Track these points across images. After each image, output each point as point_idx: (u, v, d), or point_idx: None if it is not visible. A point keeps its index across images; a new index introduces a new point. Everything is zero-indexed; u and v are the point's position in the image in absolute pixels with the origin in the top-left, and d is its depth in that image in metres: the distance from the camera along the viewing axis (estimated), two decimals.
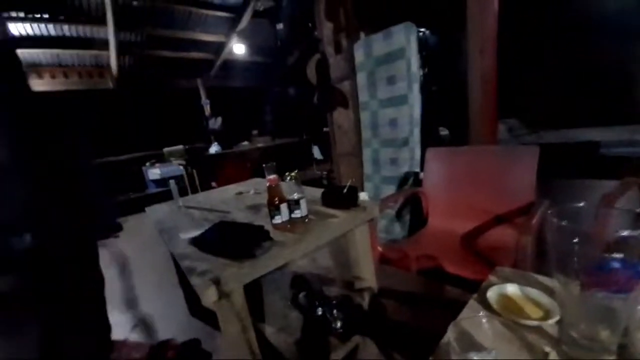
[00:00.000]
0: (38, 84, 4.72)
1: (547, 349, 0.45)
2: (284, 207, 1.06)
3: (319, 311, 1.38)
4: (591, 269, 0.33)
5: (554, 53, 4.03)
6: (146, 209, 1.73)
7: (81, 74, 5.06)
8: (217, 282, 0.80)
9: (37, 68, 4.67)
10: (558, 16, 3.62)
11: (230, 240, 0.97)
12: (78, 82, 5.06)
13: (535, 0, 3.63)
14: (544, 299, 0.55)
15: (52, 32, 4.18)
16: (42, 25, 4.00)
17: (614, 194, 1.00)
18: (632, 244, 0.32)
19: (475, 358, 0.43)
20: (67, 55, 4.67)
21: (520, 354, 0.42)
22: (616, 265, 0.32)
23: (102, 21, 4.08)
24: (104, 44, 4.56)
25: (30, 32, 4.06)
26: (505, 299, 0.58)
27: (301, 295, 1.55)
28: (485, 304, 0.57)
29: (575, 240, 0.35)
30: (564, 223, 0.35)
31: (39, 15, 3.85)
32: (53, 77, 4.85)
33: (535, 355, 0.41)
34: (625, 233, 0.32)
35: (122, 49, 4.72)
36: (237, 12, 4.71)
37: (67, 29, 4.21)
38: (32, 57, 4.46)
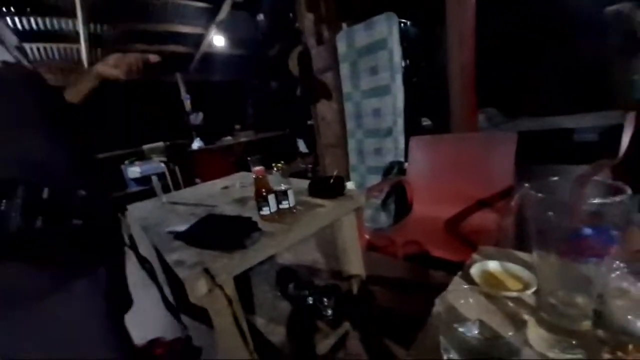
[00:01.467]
0: None
1: (526, 316, 0.48)
2: (271, 198, 1.06)
3: (309, 300, 1.40)
4: (567, 237, 0.35)
5: (532, 44, 4.16)
6: (128, 207, 1.68)
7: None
8: (207, 274, 0.79)
9: None
10: (536, 7, 3.73)
11: (219, 232, 0.96)
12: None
13: None
14: (523, 272, 0.59)
15: (18, 25, 3.93)
16: (7, 18, 3.75)
17: (586, 174, 1.06)
18: (603, 212, 0.34)
19: (460, 329, 0.45)
20: (34, 49, 4.40)
21: (502, 323, 0.45)
22: (589, 232, 0.34)
23: (71, 13, 3.87)
24: (74, 38, 4.33)
25: None
26: (487, 274, 0.61)
27: (290, 285, 1.56)
28: (469, 280, 0.60)
29: (552, 212, 0.37)
30: (541, 195, 0.37)
31: (4, 9, 3.60)
32: None
33: (516, 323, 0.43)
34: (596, 201, 0.34)
35: (94, 42, 4.50)
36: (215, 2, 4.57)
37: (34, 22, 3.96)
38: None
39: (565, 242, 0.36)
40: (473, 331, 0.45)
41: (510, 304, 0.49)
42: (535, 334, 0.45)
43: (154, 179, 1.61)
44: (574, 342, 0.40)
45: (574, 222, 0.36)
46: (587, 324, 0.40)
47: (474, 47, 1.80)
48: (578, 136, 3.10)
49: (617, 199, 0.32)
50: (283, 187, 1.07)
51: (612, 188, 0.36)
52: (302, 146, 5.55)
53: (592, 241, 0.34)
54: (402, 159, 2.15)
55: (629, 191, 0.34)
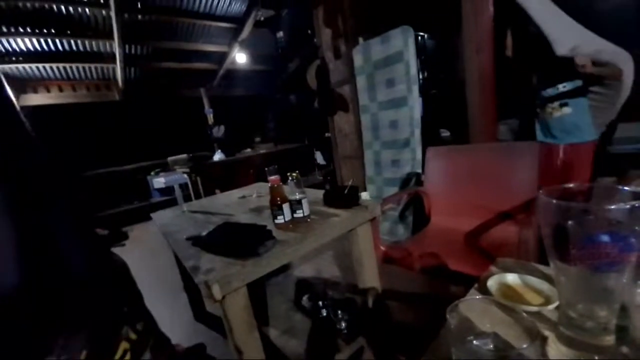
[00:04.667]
0: (46, 98, 4.84)
1: (547, 332, 0.45)
2: (286, 207, 1.07)
3: (323, 312, 1.38)
4: (581, 242, 0.34)
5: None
6: (152, 215, 1.76)
7: (89, 87, 5.19)
8: (221, 280, 0.81)
9: (45, 82, 4.80)
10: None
11: (234, 239, 0.98)
12: (86, 95, 5.18)
13: None
14: (543, 286, 0.56)
15: (59, 47, 4.30)
16: (49, 40, 4.11)
17: (613, 185, 1.00)
18: (622, 217, 0.33)
19: (475, 342, 0.43)
20: (74, 68, 4.79)
21: (520, 338, 0.43)
22: (605, 238, 0.32)
23: (108, 35, 4.19)
24: (110, 57, 4.68)
25: (38, 47, 4.18)
26: (505, 287, 0.58)
27: (305, 297, 1.55)
28: (485, 293, 0.57)
29: (568, 217, 0.36)
30: (556, 201, 0.36)
31: (45, 31, 3.96)
32: (61, 90, 4.97)
33: (534, 338, 0.41)
34: (614, 206, 0.32)
35: (128, 61, 4.83)
36: (238, 22, 4.81)
37: (74, 44, 4.32)
38: (40, 71, 4.59)
39: (581, 248, 0.34)
40: (488, 344, 0.43)
41: (529, 318, 0.47)
42: (556, 350, 0.42)
43: (176, 187, 1.67)
44: (596, 358, 0.37)
45: (593, 229, 0.34)
46: (609, 339, 0.38)
47: (492, 55, 1.77)
48: (612, 147, 2.93)
49: (636, 204, 0.31)
50: (297, 196, 1.08)
51: (635, 195, 0.35)
52: (319, 158, 5.60)
53: (609, 247, 0.32)
54: (420, 171, 2.12)
55: None
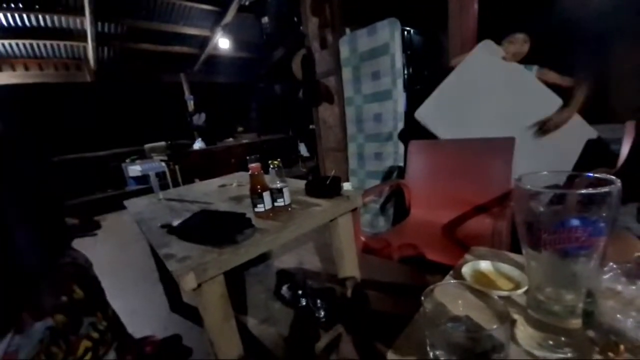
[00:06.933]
0: (11, 77, 4.50)
1: (516, 316, 0.47)
2: (266, 195, 1.05)
3: (302, 302, 1.39)
4: (553, 227, 0.35)
5: (538, 53, 4.16)
6: (125, 202, 1.68)
7: (57, 66, 4.86)
8: (196, 268, 0.78)
9: (9, 59, 4.46)
10: (542, 17, 3.73)
11: (211, 227, 0.96)
12: (54, 75, 4.84)
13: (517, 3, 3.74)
14: (514, 272, 0.58)
15: (27, 22, 3.99)
16: (16, 14, 3.81)
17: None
18: (591, 202, 0.34)
19: (448, 324, 0.44)
20: (41, 45, 4.46)
21: (491, 321, 0.44)
22: (576, 222, 0.33)
23: (79, 11, 3.93)
24: (81, 35, 4.39)
25: (3, 22, 3.86)
26: (478, 273, 0.60)
27: (284, 287, 1.55)
28: (460, 279, 0.59)
29: (540, 203, 0.36)
30: (529, 187, 0.37)
31: (11, 4, 3.66)
32: (27, 69, 4.63)
33: (503, 320, 0.42)
34: (584, 191, 0.33)
35: (101, 40, 4.55)
36: (222, 5, 4.63)
37: (42, 19, 4.02)
38: (4, 47, 4.25)
39: (552, 233, 0.35)
40: (460, 327, 0.44)
41: (500, 301, 0.48)
42: (524, 332, 0.44)
43: (152, 174, 1.61)
44: (563, 340, 0.39)
45: (564, 214, 0.35)
46: (575, 322, 0.39)
47: None
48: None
49: (605, 189, 0.32)
50: (279, 184, 1.06)
51: (603, 182, 0.36)
52: (303, 150, 5.57)
53: (579, 231, 0.33)
54: (402, 164, 2.15)
55: (618, 183, 0.33)
